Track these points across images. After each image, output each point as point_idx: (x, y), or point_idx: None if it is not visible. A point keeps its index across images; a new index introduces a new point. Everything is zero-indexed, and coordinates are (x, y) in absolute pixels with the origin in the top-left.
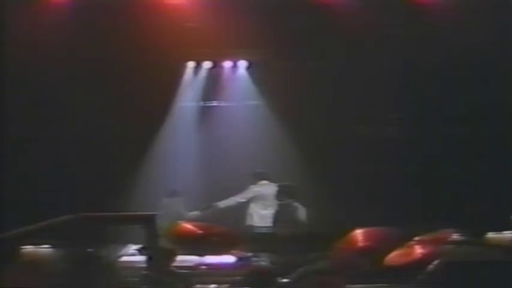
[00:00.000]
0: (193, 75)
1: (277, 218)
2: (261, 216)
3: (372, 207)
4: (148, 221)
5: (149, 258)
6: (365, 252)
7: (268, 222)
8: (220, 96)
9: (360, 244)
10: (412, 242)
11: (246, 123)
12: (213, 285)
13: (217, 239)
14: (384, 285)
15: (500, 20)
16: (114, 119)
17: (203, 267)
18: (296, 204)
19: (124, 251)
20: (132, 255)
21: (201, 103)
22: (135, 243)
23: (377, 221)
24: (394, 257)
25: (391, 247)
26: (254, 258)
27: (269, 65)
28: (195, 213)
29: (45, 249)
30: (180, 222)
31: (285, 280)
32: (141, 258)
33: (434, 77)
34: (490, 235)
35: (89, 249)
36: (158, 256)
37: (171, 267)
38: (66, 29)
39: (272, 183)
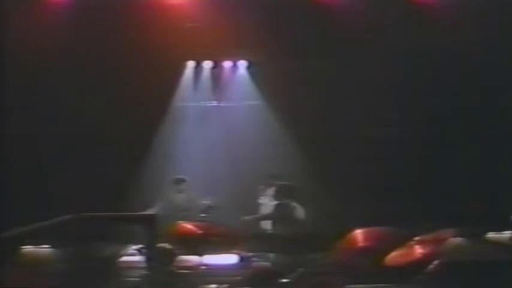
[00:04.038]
0: (193, 75)
1: (275, 217)
2: None
3: (372, 207)
4: (149, 221)
5: (149, 258)
6: (365, 252)
7: None
8: (220, 96)
9: (360, 244)
10: (412, 242)
11: (245, 123)
12: (213, 286)
13: (217, 239)
14: (384, 285)
15: (500, 19)
16: (113, 118)
17: (203, 267)
18: (294, 204)
19: (124, 251)
20: (132, 255)
21: (201, 103)
22: (136, 243)
23: (377, 221)
24: (394, 257)
25: (391, 247)
26: (254, 258)
27: (269, 65)
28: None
29: (45, 249)
30: (180, 222)
31: (285, 280)
32: (141, 258)
33: (434, 77)
34: (490, 235)
35: (89, 249)
36: (158, 256)
37: (171, 267)
38: (66, 29)
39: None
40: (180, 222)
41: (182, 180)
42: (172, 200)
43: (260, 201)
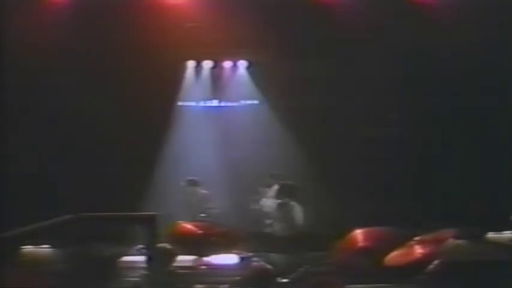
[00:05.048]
0: (193, 75)
1: (277, 217)
2: None
3: (372, 207)
4: (148, 221)
5: (149, 258)
6: (365, 252)
7: None
8: (220, 96)
9: (360, 244)
10: (412, 242)
11: (245, 123)
12: (213, 286)
13: (217, 239)
14: (384, 285)
15: (500, 19)
16: (113, 118)
17: (203, 267)
18: (293, 203)
19: (124, 251)
20: (132, 255)
21: (201, 103)
22: (136, 243)
23: (377, 221)
24: (394, 257)
25: (391, 247)
26: (254, 258)
27: (269, 65)
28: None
29: (45, 249)
30: (180, 222)
31: (285, 280)
32: (141, 258)
33: (434, 77)
34: (490, 235)
35: (89, 249)
36: (158, 256)
37: (171, 267)
38: (66, 29)
39: None
40: (180, 222)
41: (195, 182)
42: (189, 202)
43: (261, 202)
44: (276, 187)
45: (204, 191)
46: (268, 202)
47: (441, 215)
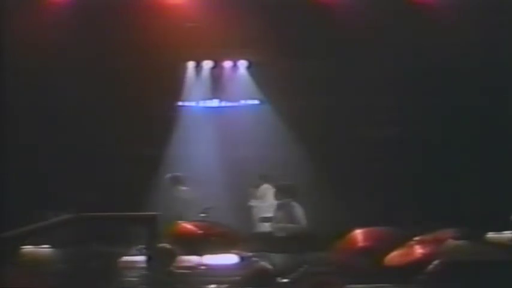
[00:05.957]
0: (193, 75)
1: (274, 216)
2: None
3: (372, 207)
4: (149, 221)
5: (149, 258)
6: (365, 252)
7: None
8: (220, 96)
9: (360, 244)
10: (412, 242)
11: (245, 123)
12: (213, 286)
13: (217, 239)
14: (384, 285)
15: (500, 19)
16: (113, 118)
17: (203, 267)
18: (294, 203)
19: (125, 251)
20: (132, 255)
21: (201, 103)
22: (136, 243)
23: (377, 221)
24: (394, 257)
25: (391, 247)
26: (254, 258)
27: (269, 65)
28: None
29: (45, 249)
30: (180, 222)
31: (285, 280)
32: (141, 258)
33: (434, 77)
34: (490, 235)
35: (89, 249)
36: (158, 256)
37: (171, 267)
38: (66, 29)
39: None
40: (180, 222)
41: (181, 178)
42: (177, 198)
43: (251, 203)
44: (264, 187)
45: (187, 188)
46: (257, 202)
47: (441, 215)
